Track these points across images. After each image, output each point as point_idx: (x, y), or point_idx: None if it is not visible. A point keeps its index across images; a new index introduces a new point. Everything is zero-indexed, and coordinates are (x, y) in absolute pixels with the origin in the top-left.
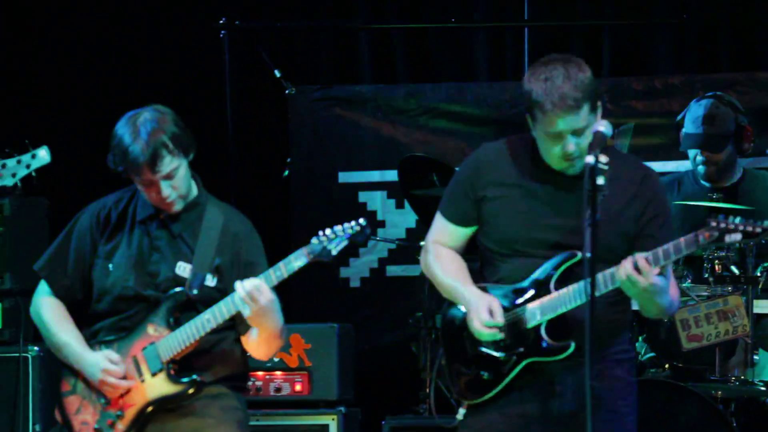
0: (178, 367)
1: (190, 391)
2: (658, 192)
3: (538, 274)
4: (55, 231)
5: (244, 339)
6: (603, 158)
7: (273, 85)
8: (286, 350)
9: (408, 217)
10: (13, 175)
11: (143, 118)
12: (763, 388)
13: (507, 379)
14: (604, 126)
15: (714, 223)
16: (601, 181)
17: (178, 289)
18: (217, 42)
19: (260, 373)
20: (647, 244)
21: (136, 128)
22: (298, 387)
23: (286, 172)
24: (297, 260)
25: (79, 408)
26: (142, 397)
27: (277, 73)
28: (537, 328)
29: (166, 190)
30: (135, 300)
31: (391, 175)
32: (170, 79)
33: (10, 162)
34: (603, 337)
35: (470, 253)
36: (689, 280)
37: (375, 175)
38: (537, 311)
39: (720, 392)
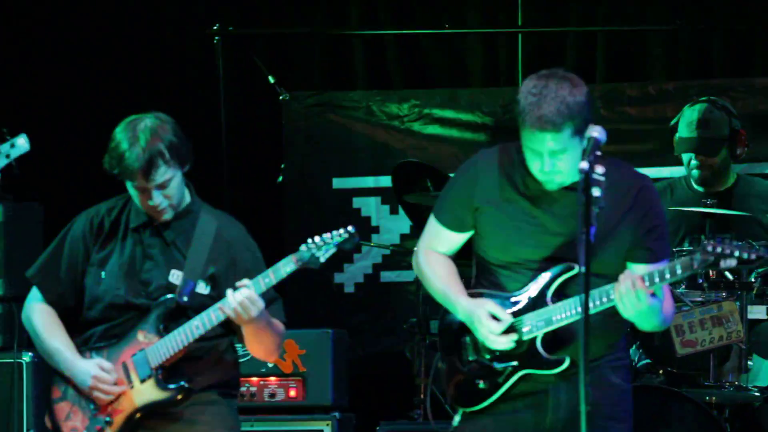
0: (167, 373)
1: (179, 397)
2: (654, 204)
3: (534, 284)
4: (49, 237)
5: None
6: (600, 169)
7: (267, 91)
8: (280, 356)
9: (402, 223)
10: None
11: (143, 124)
12: (757, 394)
13: (502, 389)
14: (598, 132)
15: (710, 248)
16: (597, 192)
17: (168, 296)
18: (211, 48)
19: (254, 378)
20: (643, 257)
21: (135, 134)
22: (292, 393)
23: (280, 178)
24: (285, 267)
25: (69, 414)
26: (131, 403)
27: (271, 79)
28: (533, 340)
29: (158, 198)
30: (126, 308)
31: (385, 181)
32: (164, 85)
33: None
34: (599, 347)
35: (462, 258)
36: (683, 286)
37: (369, 181)
38: (533, 323)
39: (714, 398)
